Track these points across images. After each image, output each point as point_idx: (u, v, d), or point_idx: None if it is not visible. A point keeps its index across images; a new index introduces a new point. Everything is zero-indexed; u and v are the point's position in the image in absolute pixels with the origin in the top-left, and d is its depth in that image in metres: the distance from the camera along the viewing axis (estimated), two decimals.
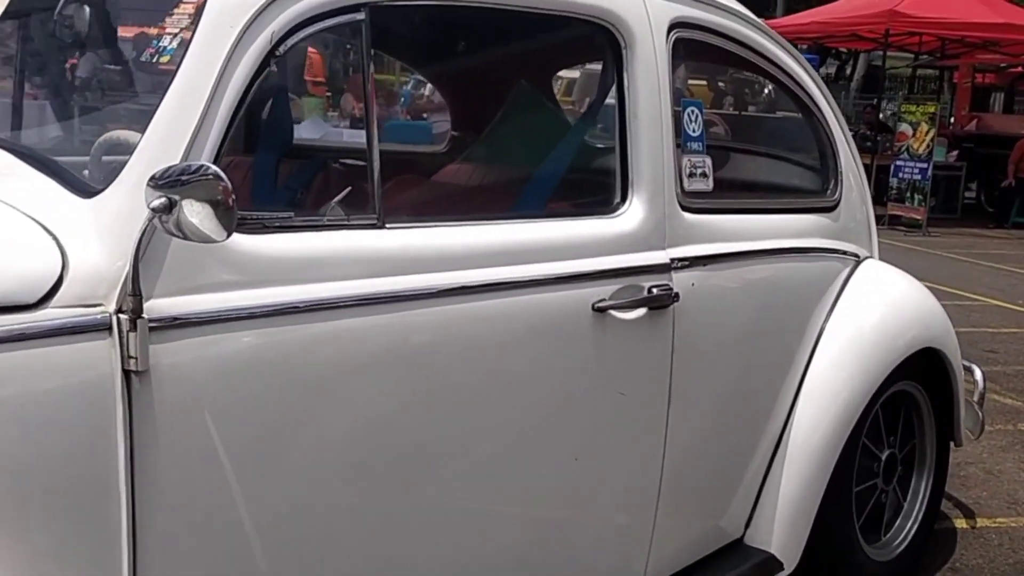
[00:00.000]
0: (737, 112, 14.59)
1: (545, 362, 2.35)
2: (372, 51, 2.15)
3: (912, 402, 3.50)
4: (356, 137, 9.02)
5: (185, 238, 1.73)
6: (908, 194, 13.53)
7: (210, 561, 1.89)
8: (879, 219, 14.75)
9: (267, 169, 3.19)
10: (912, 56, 17.75)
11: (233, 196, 1.71)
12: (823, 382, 3.09)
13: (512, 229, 2.33)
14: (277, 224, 1.99)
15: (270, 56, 1.98)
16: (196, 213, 1.70)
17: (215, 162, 1.89)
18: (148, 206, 1.70)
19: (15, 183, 2.00)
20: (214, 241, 1.73)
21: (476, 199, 2.79)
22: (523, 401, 2.32)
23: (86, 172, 2.13)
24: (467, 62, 3.61)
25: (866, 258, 3.39)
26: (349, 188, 2.17)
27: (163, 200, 1.69)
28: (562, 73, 6.43)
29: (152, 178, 1.72)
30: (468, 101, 3.89)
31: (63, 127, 2.62)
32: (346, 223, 2.09)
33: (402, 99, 12.72)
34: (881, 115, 16.47)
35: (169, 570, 1.83)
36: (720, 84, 14.91)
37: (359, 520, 2.09)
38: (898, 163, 13.64)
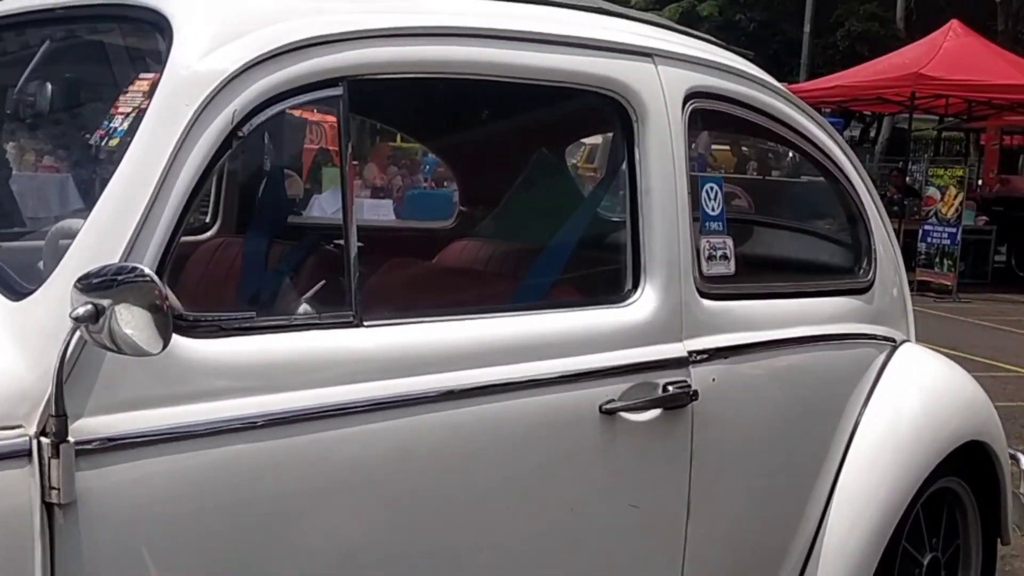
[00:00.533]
0: (761, 177, 14.39)
1: (545, 472, 2.09)
2: (350, 127, 1.94)
3: (955, 499, 3.19)
4: (374, 210, 8.84)
5: (117, 351, 1.49)
6: (937, 259, 13.21)
7: None
8: (911, 285, 14.45)
9: (258, 250, 2.97)
10: (938, 118, 17.53)
11: (168, 302, 1.47)
12: (859, 482, 2.79)
13: (509, 323, 2.08)
14: (236, 326, 1.75)
15: (231, 137, 1.75)
16: (128, 322, 1.46)
17: (164, 257, 1.66)
18: (70, 315, 1.46)
19: None
20: (148, 354, 1.49)
21: (475, 286, 2.55)
22: (520, 519, 2.05)
23: (40, 264, 1.90)
24: (472, 134, 3.39)
25: (903, 342, 3.11)
26: (323, 282, 1.93)
27: (89, 308, 1.46)
28: (585, 140, 6.23)
29: (78, 281, 1.49)
30: (474, 174, 3.67)
31: (26, 208, 2.40)
32: (317, 322, 1.84)
33: (425, 167, 12.59)
34: (908, 178, 16.23)
35: None
36: (743, 149, 14.73)
37: None
38: (926, 228, 13.33)
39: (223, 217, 3.37)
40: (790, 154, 3.58)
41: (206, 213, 3.44)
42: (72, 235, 1.86)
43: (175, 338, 1.66)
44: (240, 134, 1.76)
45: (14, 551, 1.48)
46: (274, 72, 1.79)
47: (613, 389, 2.17)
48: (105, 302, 1.46)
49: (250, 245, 3.03)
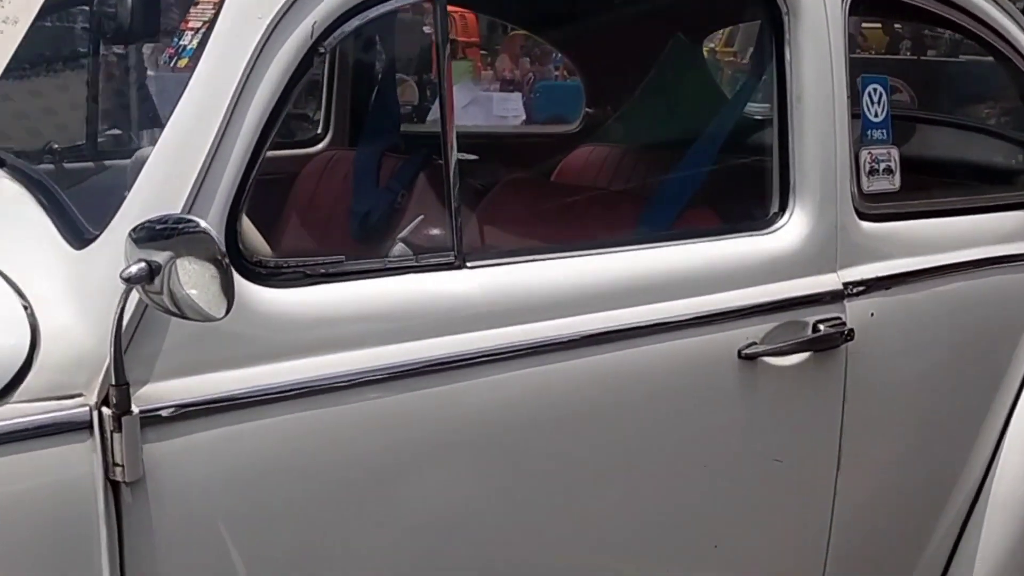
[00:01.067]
0: (916, 57, 13.35)
1: (677, 426, 1.84)
2: (447, 33, 1.67)
3: None
4: (503, 104, 8.51)
5: (180, 314, 1.30)
6: None
7: None
8: None
9: (368, 166, 2.76)
10: None
11: (227, 259, 1.27)
12: None
13: (635, 259, 1.82)
14: (322, 272, 1.54)
15: (311, 53, 1.51)
16: (187, 282, 1.27)
17: (239, 197, 1.46)
18: (121, 274, 1.27)
19: (12, 221, 1.62)
20: (211, 318, 1.29)
21: (598, 209, 2.27)
22: (650, 479, 1.82)
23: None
24: (598, 28, 3.06)
25: None
26: (420, 217, 1.70)
27: (142, 266, 1.26)
28: None
29: (131, 232, 1.30)
30: (601, 72, 3.35)
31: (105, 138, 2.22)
32: (412, 264, 1.62)
33: (555, 55, 12.08)
34: None
35: None
36: (896, 26, 13.67)
37: None
38: None
39: (334, 127, 3.16)
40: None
41: (317, 123, 3.24)
42: None
43: (255, 289, 1.47)
44: (321, 49, 1.52)
45: (78, 535, 1.33)
46: None
47: (754, 331, 1.89)
48: (161, 258, 1.26)
49: (359, 160, 2.83)
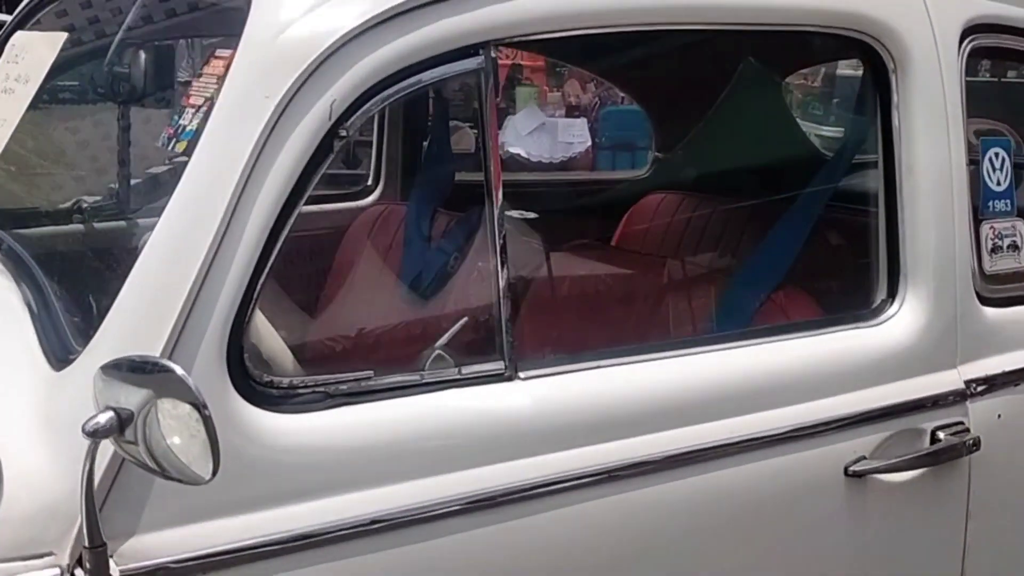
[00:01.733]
0: (996, 80, 12.78)
1: (779, 556, 1.57)
2: (498, 99, 1.43)
3: None
4: (567, 131, 8.24)
5: (162, 473, 1.06)
6: None
7: None
8: None
9: (419, 223, 2.53)
10: None
11: (207, 409, 1.03)
12: None
13: (718, 362, 1.54)
14: (346, 390, 1.29)
15: (331, 137, 1.28)
16: (166, 436, 1.03)
17: (246, 308, 1.22)
18: (84, 428, 1.04)
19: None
20: (196, 481, 1.06)
21: (672, 286, 2.00)
22: None
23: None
24: (670, 70, 2.81)
25: None
26: (464, 320, 1.44)
27: (109, 415, 1.03)
28: None
29: (101, 371, 1.07)
30: (673, 116, 3.08)
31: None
32: (456, 378, 1.37)
33: None
34: None
35: None
36: None
37: None
38: None
39: (385, 178, 2.94)
40: None
41: (367, 176, 3.02)
42: None
43: (264, 415, 1.24)
44: (343, 132, 1.28)
45: None
46: (386, 44, 1.30)
47: (862, 443, 1.61)
48: (134, 405, 1.03)
49: (410, 216, 2.59)
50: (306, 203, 1.28)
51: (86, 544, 1.09)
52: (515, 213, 2.78)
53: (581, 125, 8.79)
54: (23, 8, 2.16)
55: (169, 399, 1.03)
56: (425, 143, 2.92)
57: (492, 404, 1.37)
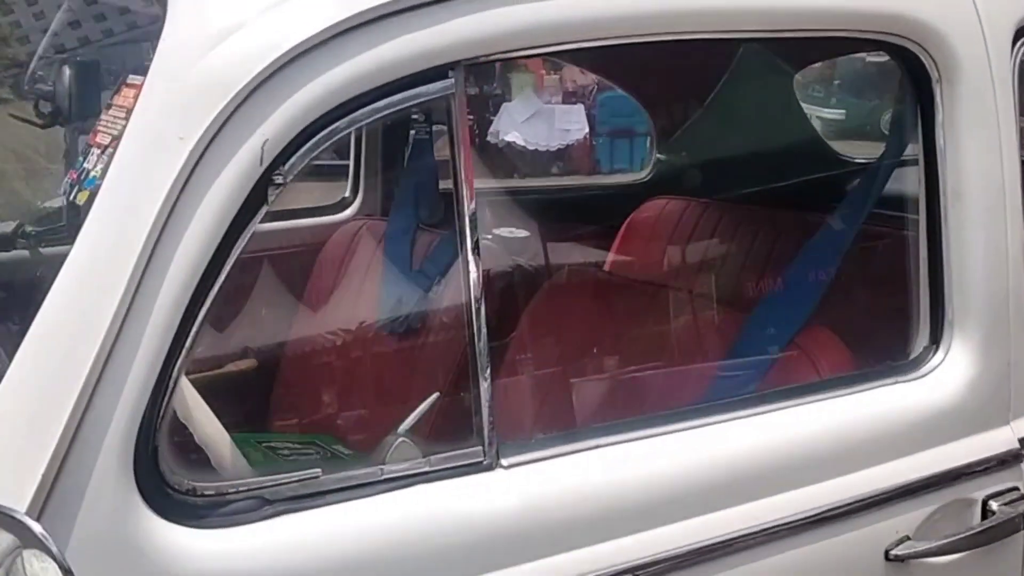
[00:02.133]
0: None
1: None
2: (470, 124, 1.18)
3: None
4: (565, 117, 8.00)
5: None
6: None
7: None
8: None
9: (400, 242, 2.29)
10: None
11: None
12: None
13: (736, 434, 1.30)
14: (289, 495, 1.06)
15: (264, 184, 1.03)
16: None
17: (157, 402, 0.99)
18: None
19: None
20: None
21: (680, 328, 1.76)
22: None
23: None
24: (670, 65, 2.58)
25: None
26: (435, 396, 1.20)
27: None
28: None
29: None
30: (674, 113, 2.84)
31: None
32: (426, 471, 1.13)
33: None
34: None
35: None
36: None
37: None
38: None
39: (364, 190, 2.69)
40: None
41: (345, 187, 2.78)
42: None
43: (182, 534, 1.00)
44: (278, 179, 1.04)
45: None
46: (332, 67, 1.05)
47: (904, 520, 1.38)
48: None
49: (390, 234, 2.35)
50: (267, 220, 1.05)
51: None
52: (504, 231, 2.56)
53: (578, 111, 8.54)
54: None
55: (34, 551, 0.80)
56: (407, 148, 2.67)
57: (469, 502, 1.13)
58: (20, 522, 0.82)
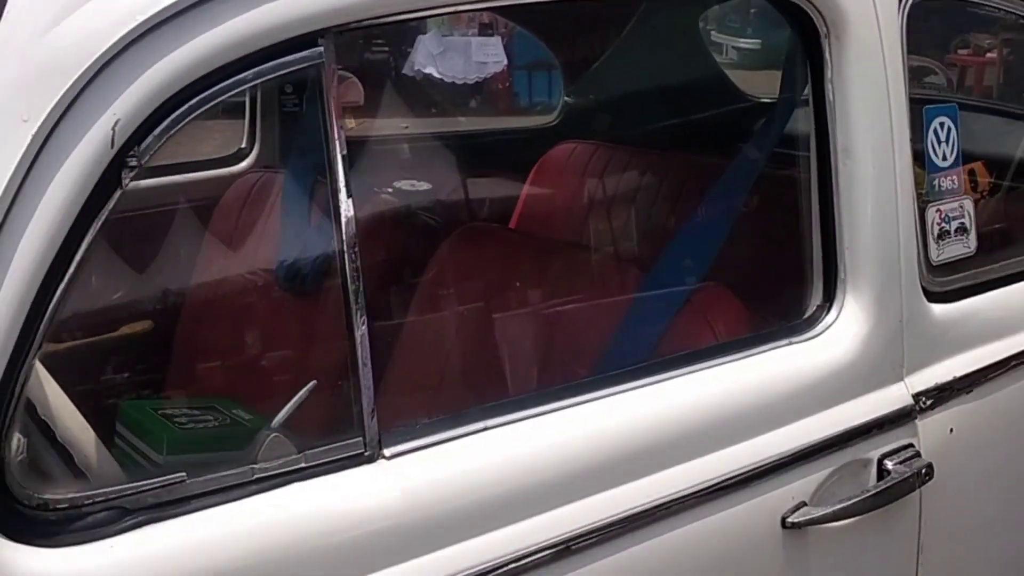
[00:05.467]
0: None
1: None
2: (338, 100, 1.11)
3: None
4: (482, 50, 7.87)
5: None
6: None
7: None
8: None
9: (298, 195, 2.21)
10: None
11: None
12: None
13: (622, 406, 1.27)
14: (148, 505, 1.00)
15: (117, 167, 0.96)
16: None
17: (3, 419, 0.92)
18: None
19: None
20: None
21: (582, 280, 1.72)
22: None
23: None
24: (579, 26, 2.53)
25: None
26: (312, 384, 1.15)
27: None
28: None
29: None
30: (581, 54, 2.78)
31: None
32: (300, 468, 1.08)
33: None
34: None
35: None
36: None
37: None
38: None
39: (260, 140, 2.59)
40: None
41: (241, 137, 2.67)
42: None
43: (30, 556, 0.94)
44: (132, 161, 0.97)
45: None
46: (191, 39, 0.98)
47: (800, 486, 1.37)
48: None
49: (288, 187, 2.27)
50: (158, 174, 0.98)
51: None
52: (405, 184, 2.49)
53: (495, 44, 8.40)
54: None
55: None
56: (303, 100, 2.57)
57: (347, 496, 1.09)
58: None
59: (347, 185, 1.11)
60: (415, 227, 2.16)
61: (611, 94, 2.70)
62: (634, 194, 2.17)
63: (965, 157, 1.62)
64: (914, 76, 2.72)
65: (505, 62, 7.67)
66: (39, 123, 0.93)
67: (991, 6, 1.82)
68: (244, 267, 2.14)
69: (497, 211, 2.37)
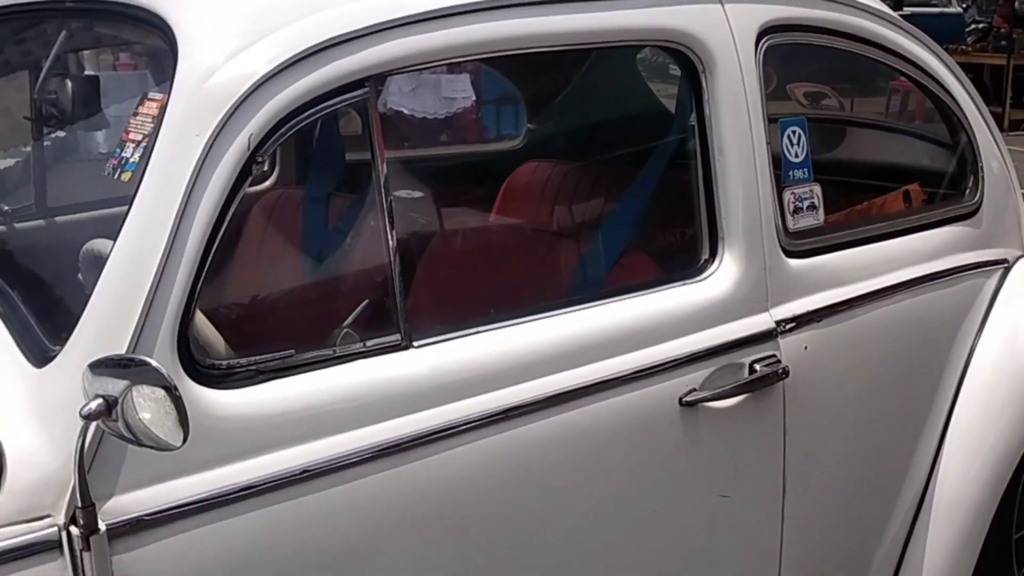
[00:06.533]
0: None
1: (626, 477, 1.94)
2: (381, 130, 1.73)
3: None
4: (451, 87, 8.46)
5: (138, 443, 1.37)
6: None
7: None
8: (1018, 125, 13.52)
9: (316, 207, 2.81)
10: None
11: (178, 391, 1.34)
12: (972, 418, 2.58)
13: (575, 320, 1.90)
14: (275, 367, 1.61)
15: (250, 163, 1.58)
16: (142, 413, 1.34)
17: (190, 305, 1.53)
18: (80, 412, 1.34)
19: None
20: (170, 448, 1.37)
21: (541, 254, 2.35)
22: (603, 535, 1.92)
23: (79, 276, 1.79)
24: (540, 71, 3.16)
25: (1018, 259, 2.82)
26: (366, 302, 1.77)
27: (100, 403, 1.34)
28: None
29: (89, 368, 1.36)
30: (541, 91, 3.42)
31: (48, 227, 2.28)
32: (361, 350, 1.69)
33: None
34: (1017, 3, 15.08)
35: None
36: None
37: None
38: None
39: (280, 163, 3.20)
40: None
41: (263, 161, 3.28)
42: (98, 260, 1.73)
43: (209, 393, 1.54)
44: (258, 159, 1.59)
45: None
46: (291, 84, 1.60)
47: (693, 378, 1.99)
48: (117, 392, 1.33)
49: (307, 200, 2.88)
50: None
51: (79, 505, 1.39)
52: (402, 193, 3.11)
53: (464, 80, 8.97)
54: None
55: (146, 386, 1.34)
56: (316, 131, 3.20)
57: (392, 371, 1.70)
58: (140, 361, 1.35)
59: (387, 181, 1.73)
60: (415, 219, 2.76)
61: (565, 123, 3.33)
62: (581, 194, 2.80)
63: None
64: (813, 99, 3.42)
65: (473, 98, 8.26)
66: (206, 137, 1.55)
67: (839, 48, 2.47)
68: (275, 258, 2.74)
69: (479, 209, 3.00)
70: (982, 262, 2.66)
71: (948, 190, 2.73)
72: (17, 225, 2.46)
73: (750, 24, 2.10)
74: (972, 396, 2.58)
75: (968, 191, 2.69)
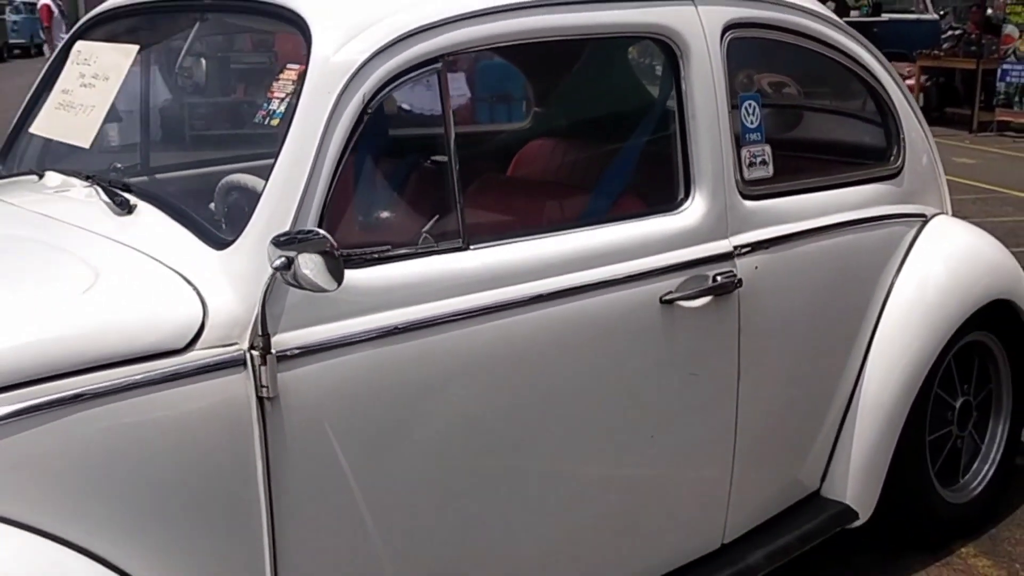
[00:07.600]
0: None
1: (620, 355, 2.63)
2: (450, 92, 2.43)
3: (986, 351, 3.67)
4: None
5: (301, 288, 2.06)
6: (1016, 99, 13.18)
7: (338, 554, 2.26)
8: (986, 126, 14.19)
9: (370, 173, 3.50)
10: None
11: (340, 252, 2.03)
12: (891, 339, 3.30)
13: (583, 236, 2.60)
14: (378, 256, 2.30)
15: (363, 114, 2.27)
16: (311, 269, 2.03)
17: (322, 212, 2.21)
18: (271, 265, 2.03)
19: (151, 231, 2.36)
20: (326, 291, 2.06)
21: (557, 199, 3.06)
22: (602, 392, 2.61)
23: (211, 206, 2.49)
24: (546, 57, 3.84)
25: (935, 215, 3.54)
26: (437, 216, 2.46)
27: (283, 259, 2.03)
28: None
29: (274, 239, 2.05)
30: (546, 80, 4.11)
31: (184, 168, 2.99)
32: (435, 249, 2.39)
33: None
34: (989, 10, 15.88)
35: (304, 563, 2.19)
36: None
37: (467, 502, 2.43)
38: (1005, 67, 13.28)
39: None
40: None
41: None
42: (241, 187, 2.43)
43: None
44: (368, 112, 2.28)
45: (241, 432, 2.09)
46: (389, 60, 2.30)
47: (671, 283, 2.69)
48: (292, 254, 2.03)
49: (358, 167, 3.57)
50: None
51: (259, 333, 2.09)
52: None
53: (459, 79, 9.61)
54: (81, 24, 3.07)
55: (312, 252, 2.03)
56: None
57: (456, 264, 2.40)
58: (312, 232, 2.05)
59: (456, 140, 2.42)
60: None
61: (568, 106, 4.02)
62: (582, 160, 3.49)
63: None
64: (776, 88, 4.13)
65: (469, 95, 8.88)
66: (336, 93, 2.25)
67: (792, 44, 3.18)
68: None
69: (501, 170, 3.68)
70: (902, 214, 3.39)
71: (876, 157, 3.46)
72: (170, 174, 3.14)
73: (717, 20, 2.82)
74: (891, 320, 3.30)
75: (892, 157, 3.42)
